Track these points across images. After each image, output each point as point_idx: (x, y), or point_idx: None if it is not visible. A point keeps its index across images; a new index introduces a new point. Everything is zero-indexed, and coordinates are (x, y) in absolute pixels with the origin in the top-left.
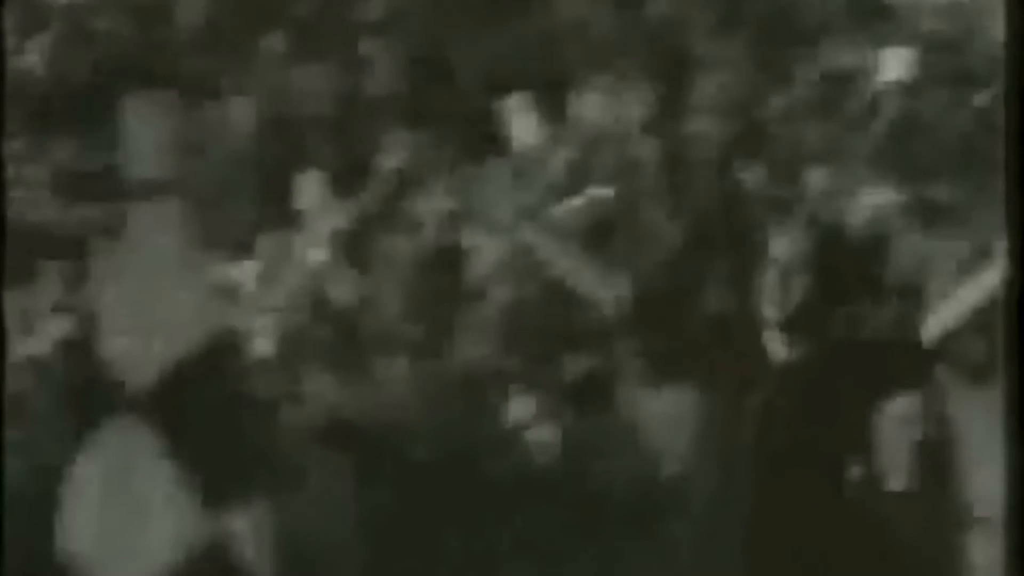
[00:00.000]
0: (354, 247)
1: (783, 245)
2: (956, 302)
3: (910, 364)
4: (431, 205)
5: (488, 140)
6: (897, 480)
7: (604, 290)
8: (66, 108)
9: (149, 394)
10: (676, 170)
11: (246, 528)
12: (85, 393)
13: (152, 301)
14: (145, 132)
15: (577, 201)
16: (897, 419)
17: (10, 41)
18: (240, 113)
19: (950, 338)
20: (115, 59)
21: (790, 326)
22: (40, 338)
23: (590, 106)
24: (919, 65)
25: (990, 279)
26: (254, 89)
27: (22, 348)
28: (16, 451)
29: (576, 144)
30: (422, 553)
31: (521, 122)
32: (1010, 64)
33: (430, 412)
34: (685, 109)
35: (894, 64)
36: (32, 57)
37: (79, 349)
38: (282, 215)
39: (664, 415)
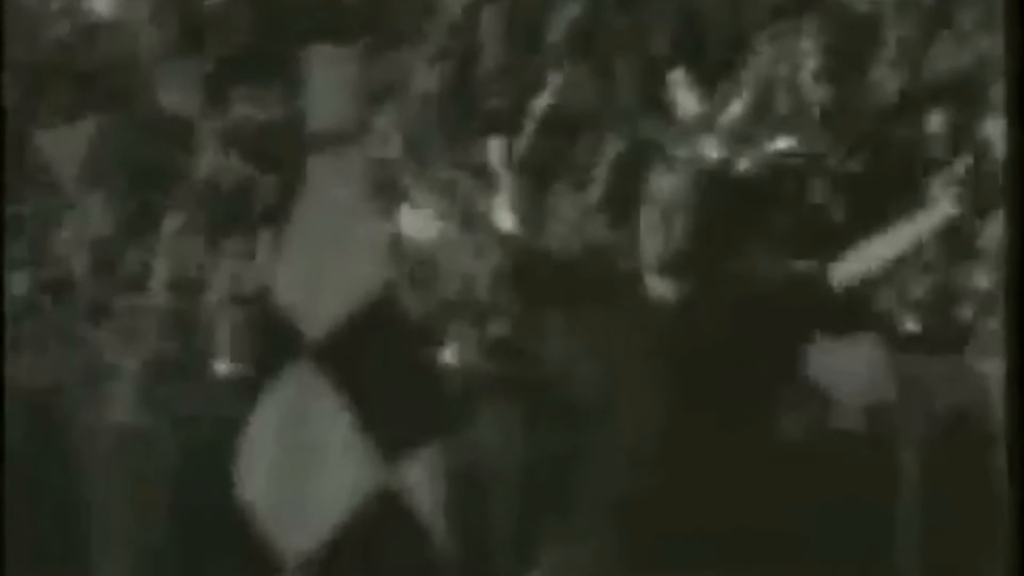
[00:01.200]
0: (530, 195)
1: (666, 183)
2: (881, 246)
3: (819, 311)
4: (604, 152)
5: (656, 100)
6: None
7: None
8: (247, 60)
9: (326, 344)
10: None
11: (420, 477)
12: (263, 343)
13: (330, 252)
14: (328, 82)
15: (765, 154)
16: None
17: None
18: (422, 64)
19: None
20: (296, 9)
21: (669, 267)
22: (219, 288)
23: (763, 60)
24: None
25: (924, 224)
26: (435, 40)
27: (206, 297)
28: (196, 402)
29: (749, 98)
30: (589, 500)
31: (684, 95)
32: (1010, 59)
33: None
34: (862, 61)
35: None
36: (213, 4)
37: (258, 300)
38: (464, 165)
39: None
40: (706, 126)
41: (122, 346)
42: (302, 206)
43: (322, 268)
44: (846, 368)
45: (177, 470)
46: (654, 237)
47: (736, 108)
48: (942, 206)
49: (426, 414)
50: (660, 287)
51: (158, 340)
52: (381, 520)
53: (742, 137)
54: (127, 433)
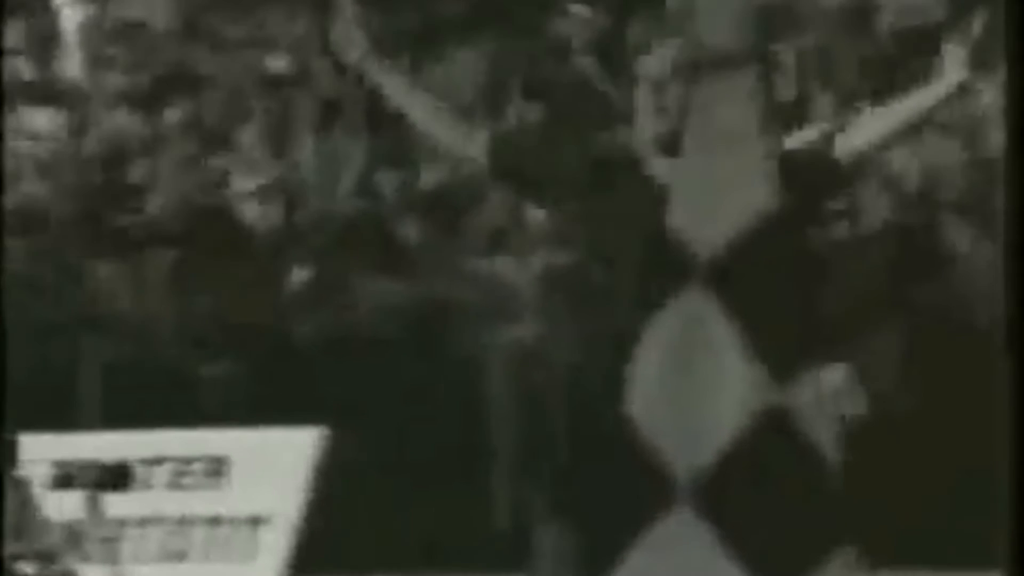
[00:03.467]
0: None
1: (654, 60)
2: (888, 114)
3: (824, 181)
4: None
5: None
6: None
7: (465, 145)
8: None
9: (718, 265)
10: None
11: (810, 398)
12: (656, 263)
13: (721, 173)
14: (721, 7)
15: None
16: None
17: None
18: None
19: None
20: None
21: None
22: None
23: None
24: None
25: (932, 92)
26: None
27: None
28: (590, 317)
29: None
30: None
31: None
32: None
33: None
34: None
35: None
36: None
37: (649, 220)
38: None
39: None
40: None
41: (516, 265)
42: (693, 127)
43: (717, 188)
44: None
45: (570, 385)
46: (649, 116)
47: None
48: (951, 73)
49: (820, 336)
50: (659, 167)
51: (549, 257)
52: (771, 438)
53: None
54: (523, 349)
